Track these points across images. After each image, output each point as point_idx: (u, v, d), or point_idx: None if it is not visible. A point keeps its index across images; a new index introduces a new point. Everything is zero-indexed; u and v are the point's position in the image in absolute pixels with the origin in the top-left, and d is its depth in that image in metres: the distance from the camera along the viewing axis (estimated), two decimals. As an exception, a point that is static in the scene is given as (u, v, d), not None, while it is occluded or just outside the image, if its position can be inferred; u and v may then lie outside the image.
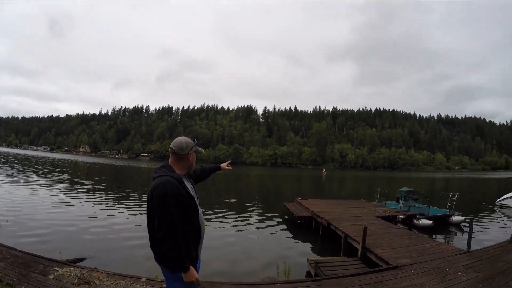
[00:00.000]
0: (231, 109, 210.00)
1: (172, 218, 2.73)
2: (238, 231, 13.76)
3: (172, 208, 2.74)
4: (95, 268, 6.51)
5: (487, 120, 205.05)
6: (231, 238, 12.48)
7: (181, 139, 3.14)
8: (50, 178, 31.55)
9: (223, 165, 4.12)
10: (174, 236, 2.73)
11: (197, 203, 3.08)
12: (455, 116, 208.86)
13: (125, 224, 13.81)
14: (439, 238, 13.11)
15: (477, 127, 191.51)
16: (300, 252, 10.87)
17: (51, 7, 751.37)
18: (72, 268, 6.23)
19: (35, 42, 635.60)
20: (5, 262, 6.40)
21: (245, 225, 14.99)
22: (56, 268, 6.14)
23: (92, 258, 8.99)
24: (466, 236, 9.49)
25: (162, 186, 2.77)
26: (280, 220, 16.34)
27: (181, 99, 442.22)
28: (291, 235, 13.40)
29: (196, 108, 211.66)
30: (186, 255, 2.80)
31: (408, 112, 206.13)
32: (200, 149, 3.29)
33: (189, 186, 3.10)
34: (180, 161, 3.11)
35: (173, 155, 3.09)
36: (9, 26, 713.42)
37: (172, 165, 3.08)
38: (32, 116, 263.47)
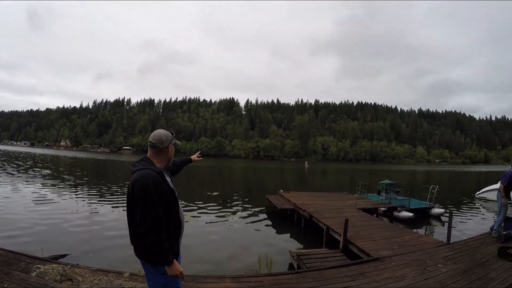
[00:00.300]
0: (213, 102, 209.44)
1: (156, 212, 2.70)
2: (220, 224, 13.71)
3: (155, 202, 2.70)
4: (78, 264, 6.46)
5: (467, 115, 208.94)
6: (213, 231, 12.44)
7: (160, 132, 3.13)
8: (31, 174, 30.98)
9: (194, 156, 4.20)
10: (158, 230, 2.69)
11: (177, 197, 3.05)
12: (436, 110, 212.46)
13: (107, 220, 13.63)
14: (420, 230, 13.21)
15: (457, 122, 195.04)
16: (283, 245, 10.88)
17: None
18: (54, 265, 6.16)
19: (13, 34, 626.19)
20: (-14, 260, 6.30)
21: (227, 218, 14.95)
22: (39, 265, 6.06)
23: (74, 254, 8.89)
24: (446, 228, 9.61)
25: (143, 180, 2.73)
26: (263, 212, 16.36)
27: (163, 92, 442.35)
28: (273, 228, 13.42)
29: (178, 100, 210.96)
30: (169, 248, 2.76)
31: (389, 105, 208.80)
32: (178, 142, 3.30)
33: (168, 179, 3.06)
34: (160, 154, 3.08)
35: (152, 148, 3.06)
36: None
37: (151, 158, 3.04)
38: (11, 111, 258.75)
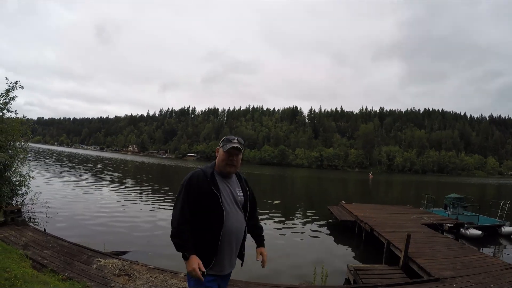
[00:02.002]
0: (276, 110, 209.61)
1: (182, 205, 2.78)
2: (279, 232, 13.80)
3: (185, 196, 2.80)
4: (136, 261, 6.83)
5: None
6: (271, 238, 12.47)
7: None
8: (100, 176, 32.92)
9: (262, 250, 3.42)
10: (178, 222, 2.76)
11: (223, 205, 2.83)
12: (508, 116, 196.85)
13: (169, 222, 14.15)
14: (487, 250, 12.58)
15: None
16: (341, 257, 10.80)
17: (98, 15, 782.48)
18: (114, 260, 6.61)
19: (83, 48, 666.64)
20: (52, 250, 6.89)
21: (286, 226, 15.03)
22: (99, 259, 6.52)
23: (134, 252, 9.39)
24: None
25: (187, 176, 2.90)
26: (323, 223, 16.25)
27: (227, 100, 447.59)
28: (333, 239, 13.36)
29: (241, 109, 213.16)
30: (187, 243, 2.72)
31: (458, 112, 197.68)
32: (227, 145, 2.92)
33: (224, 185, 2.95)
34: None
35: None
36: (59, 34, 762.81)
37: None
38: (82, 117, 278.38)
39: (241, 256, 3.21)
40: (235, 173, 3.15)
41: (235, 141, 2.97)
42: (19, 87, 12.58)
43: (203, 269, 2.67)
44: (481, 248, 12.38)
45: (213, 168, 3.00)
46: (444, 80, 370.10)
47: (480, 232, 13.92)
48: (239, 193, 3.06)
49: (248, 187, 3.25)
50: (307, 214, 18.78)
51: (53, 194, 18.29)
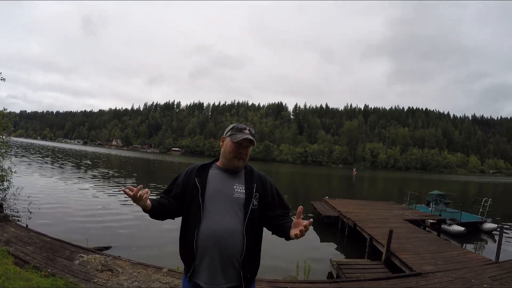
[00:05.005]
0: (261, 106, 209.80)
1: (171, 182, 2.62)
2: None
3: (175, 178, 2.59)
4: (119, 256, 6.77)
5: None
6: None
7: None
8: (83, 171, 32.52)
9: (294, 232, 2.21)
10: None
11: (204, 199, 2.35)
12: (491, 116, 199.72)
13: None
14: (469, 246, 12.75)
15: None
16: (324, 252, 10.84)
17: (84, 6, 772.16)
18: (97, 255, 6.51)
19: (69, 41, 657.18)
20: (34, 246, 6.75)
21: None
22: (82, 255, 6.41)
23: (117, 247, 9.30)
24: (497, 245, 9.17)
25: None
26: (306, 219, 16.07)
27: (212, 95, 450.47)
28: (316, 235, 13.35)
29: (227, 104, 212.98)
30: (155, 200, 2.56)
31: (441, 111, 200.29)
32: (238, 135, 2.38)
33: (218, 179, 2.44)
34: None
35: None
36: (44, 25, 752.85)
37: None
38: (66, 111, 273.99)
39: (245, 279, 2.35)
40: (244, 168, 2.56)
41: (247, 131, 2.43)
42: (1, 79, 12.34)
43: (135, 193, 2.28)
44: (463, 244, 12.55)
45: (213, 161, 2.58)
46: (429, 80, 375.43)
47: (463, 228, 14.09)
48: (238, 189, 2.42)
49: (265, 184, 2.59)
50: (291, 209, 18.75)
51: (36, 189, 17.96)
